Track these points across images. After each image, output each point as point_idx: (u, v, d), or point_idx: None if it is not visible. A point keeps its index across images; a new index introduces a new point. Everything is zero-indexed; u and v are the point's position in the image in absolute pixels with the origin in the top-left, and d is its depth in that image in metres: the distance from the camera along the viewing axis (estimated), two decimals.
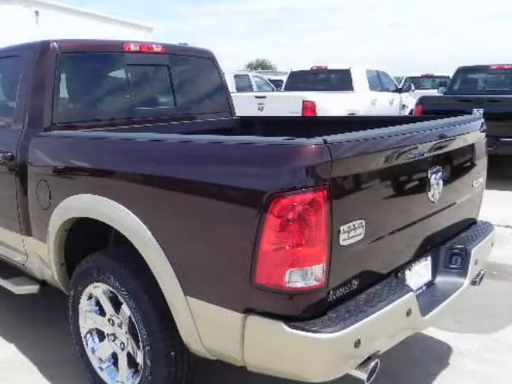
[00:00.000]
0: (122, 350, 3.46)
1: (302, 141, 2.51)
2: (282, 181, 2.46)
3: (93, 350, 3.68)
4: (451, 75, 15.93)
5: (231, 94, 5.80)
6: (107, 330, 3.56)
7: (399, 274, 3.16)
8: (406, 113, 16.61)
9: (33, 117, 4.09)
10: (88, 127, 4.28)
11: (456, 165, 3.70)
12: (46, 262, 3.99)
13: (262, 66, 78.67)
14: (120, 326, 3.43)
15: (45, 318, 4.98)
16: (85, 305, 3.67)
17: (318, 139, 2.49)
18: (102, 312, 3.59)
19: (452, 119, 3.76)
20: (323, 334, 2.46)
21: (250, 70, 56.77)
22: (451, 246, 3.63)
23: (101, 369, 3.64)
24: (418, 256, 3.38)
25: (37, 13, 21.21)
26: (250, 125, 5.68)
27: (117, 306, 3.42)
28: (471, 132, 3.80)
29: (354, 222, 2.65)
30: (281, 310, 2.54)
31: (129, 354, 3.42)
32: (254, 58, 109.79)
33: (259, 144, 2.67)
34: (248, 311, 2.62)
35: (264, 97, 12.30)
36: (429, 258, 3.49)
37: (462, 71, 14.89)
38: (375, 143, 2.81)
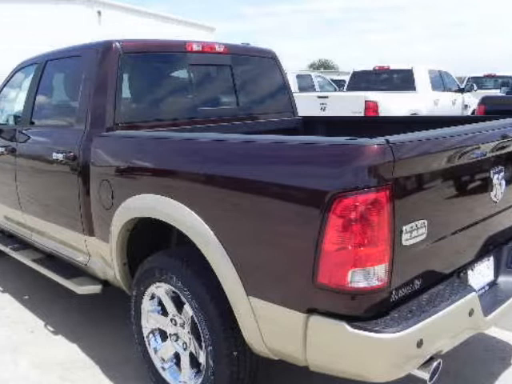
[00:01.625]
0: (185, 350, 3.64)
1: (365, 141, 2.62)
2: (345, 181, 2.58)
3: (155, 350, 3.88)
4: None
5: (293, 94, 5.97)
6: (169, 330, 3.74)
7: (461, 274, 3.25)
8: (469, 113, 16.86)
9: (95, 117, 4.30)
10: (150, 127, 4.47)
11: None
12: (108, 261, 4.21)
13: (324, 65, 79.89)
14: (182, 326, 3.61)
15: (106, 318, 5.25)
16: (147, 305, 3.87)
17: (381, 139, 2.60)
18: (164, 312, 3.78)
19: None
20: (386, 334, 2.57)
21: (312, 69, 57.86)
22: None
23: (163, 369, 3.83)
24: (480, 256, 3.47)
25: (99, 13, 21.88)
26: (312, 125, 5.83)
27: (179, 306, 3.60)
28: None
29: (417, 222, 2.77)
30: (343, 310, 2.66)
31: (191, 354, 3.60)
32: (316, 57, 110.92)
33: (322, 144, 2.79)
34: (310, 311, 2.75)
35: (326, 97, 12.70)
36: (491, 258, 3.57)
37: None
38: (437, 143, 2.91)
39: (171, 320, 3.71)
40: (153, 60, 4.75)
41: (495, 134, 3.38)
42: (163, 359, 3.84)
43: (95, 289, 4.57)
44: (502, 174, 3.44)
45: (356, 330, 2.60)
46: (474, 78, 24.57)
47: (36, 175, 5.07)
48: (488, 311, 3.16)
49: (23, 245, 5.87)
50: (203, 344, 3.40)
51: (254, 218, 2.96)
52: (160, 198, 3.51)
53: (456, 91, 16.57)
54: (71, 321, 5.24)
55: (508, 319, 4.56)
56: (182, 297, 3.50)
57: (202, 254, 3.26)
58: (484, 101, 11.59)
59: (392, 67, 15.41)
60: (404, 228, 2.70)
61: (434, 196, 2.94)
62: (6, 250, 5.94)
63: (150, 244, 4.08)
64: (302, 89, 18.69)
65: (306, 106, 10.03)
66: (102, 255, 4.28)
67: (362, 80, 15.66)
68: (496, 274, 3.61)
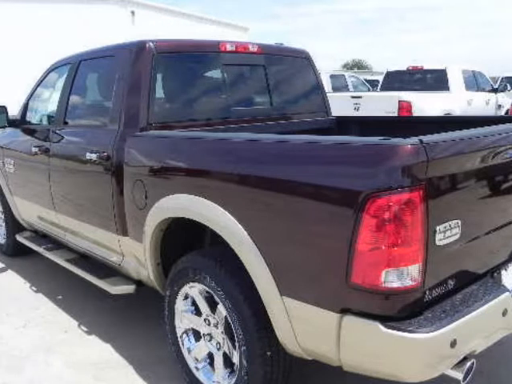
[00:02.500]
0: (218, 350, 3.73)
1: (398, 141, 2.68)
2: (378, 181, 2.64)
3: (189, 350, 3.98)
4: None
5: (327, 94, 6.05)
6: (203, 330, 3.84)
7: (495, 274, 3.29)
8: (502, 113, 17.23)
9: (129, 117, 4.41)
10: (184, 127, 4.56)
11: None
12: (141, 261, 4.31)
13: (357, 65, 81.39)
14: (216, 326, 3.71)
15: (140, 318, 5.37)
16: (181, 305, 3.97)
17: (414, 139, 2.66)
18: (197, 312, 3.87)
19: None
20: (419, 334, 2.62)
21: (345, 69, 58.77)
22: None
23: (197, 369, 3.93)
24: None
25: (133, 13, 22.25)
26: (345, 125, 5.91)
27: (213, 306, 3.69)
28: None
29: (450, 222, 2.83)
30: (377, 310, 2.72)
31: (225, 354, 3.69)
32: (350, 57, 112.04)
33: (355, 144, 2.85)
34: (344, 311, 2.81)
35: (360, 97, 13.03)
36: None
37: None
38: (471, 143, 2.97)
39: (205, 320, 3.79)
40: (186, 60, 4.84)
41: None
42: (197, 359, 3.93)
43: (129, 289, 4.68)
44: None
45: (390, 330, 2.65)
46: (507, 77, 24.49)
47: (69, 175, 5.19)
48: None
49: (57, 245, 6.04)
50: (237, 344, 3.48)
51: (288, 218, 3.02)
52: (194, 197, 3.59)
53: (489, 91, 16.79)
54: (105, 321, 5.35)
55: None
56: (215, 297, 3.59)
57: (235, 253, 3.33)
58: None
59: (426, 67, 15.67)
60: (438, 228, 2.75)
61: (467, 196, 2.99)
62: (40, 250, 6.11)
63: (184, 244, 4.17)
64: (335, 89, 19.00)
65: (340, 105, 10.21)
66: (136, 255, 4.38)
67: (396, 80, 15.98)
68: None
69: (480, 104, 15.54)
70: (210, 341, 3.80)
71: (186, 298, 3.93)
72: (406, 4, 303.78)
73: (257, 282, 3.22)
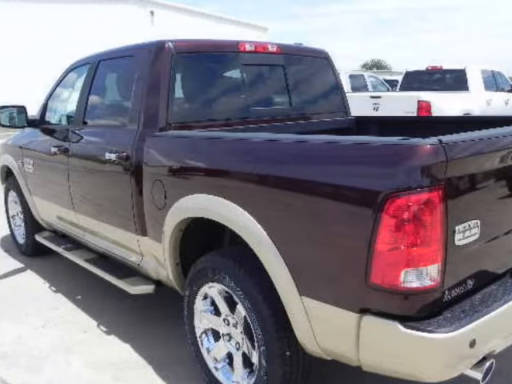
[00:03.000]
0: (237, 350, 3.77)
1: (418, 141, 2.71)
2: (398, 181, 2.67)
3: (208, 350, 4.03)
4: None
5: (346, 94, 6.09)
6: (222, 330, 3.89)
7: None
8: None
9: (148, 117, 4.46)
10: (203, 127, 4.61)
11: None
12: (161, 261, 4.36)
13: (377, 65, 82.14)
14: (235, 326, 3.75)
15: (159, 318, 5.42)
16: (200, 305, 4.02)
17: (434, 139, 2.68)
18: (217, 312, 3.92)
19: None
20: (439, 334, 2.65)
21: (365, 69, 59.10)
22: None
23: (216, 369, 3.97)
24: None
25: (152, 13, 22.51)
26: (365, 125, 5.95)
27: (232, 306, 3.74)
28: None
29: (470, 222, 2.86)
30: (396, 310, 2.76)
31: (244, 354, 3.73)
32: (369, 57, 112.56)
33: (374, 144, 2.89)
34: (363, 311, 2.84)
35: (379, 97, 13.25)
36: None
37: None
38: (490, 143, 2.99)
39: (224, 320, 3.84)
40: (205, 60, 4.88)
41: None
42: (216, 359, 3.97)
43: (148, 289, 4.74)
44: None
45: (409, 330, 2.68)
46: None
47: (89, 175, 5.26)
48: None
49: (76, 245, 6.12)
50: (256, 344, 3.52)
51: (307, 218, 3.06)
52: (213, 197, 3.63)
53: (509, 91, 16.91)
54: (124, 321, 5.41)
55: None
56: (234, 297, 3.63)
57: (254, 254, 3.37)
58: None
59: (445, 67, 15.85)
60: (457, 228, 2.78)
61: (486, 196, 3.02)
62: (59, 249, 6.19)
63: (203, 244, 4.22)
64: (354, 89, 19.21)
65: (359, 105, 10.32)
66: (155, 255, 4.43)
67: (415, 80, 16.19)
68: None
69: (499, 104, 15.66)
70: (229, 341, 3.84)
71: (205, 297, 3.98)
72: (425, 4, 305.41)
73: (276, 282, 3.26)
